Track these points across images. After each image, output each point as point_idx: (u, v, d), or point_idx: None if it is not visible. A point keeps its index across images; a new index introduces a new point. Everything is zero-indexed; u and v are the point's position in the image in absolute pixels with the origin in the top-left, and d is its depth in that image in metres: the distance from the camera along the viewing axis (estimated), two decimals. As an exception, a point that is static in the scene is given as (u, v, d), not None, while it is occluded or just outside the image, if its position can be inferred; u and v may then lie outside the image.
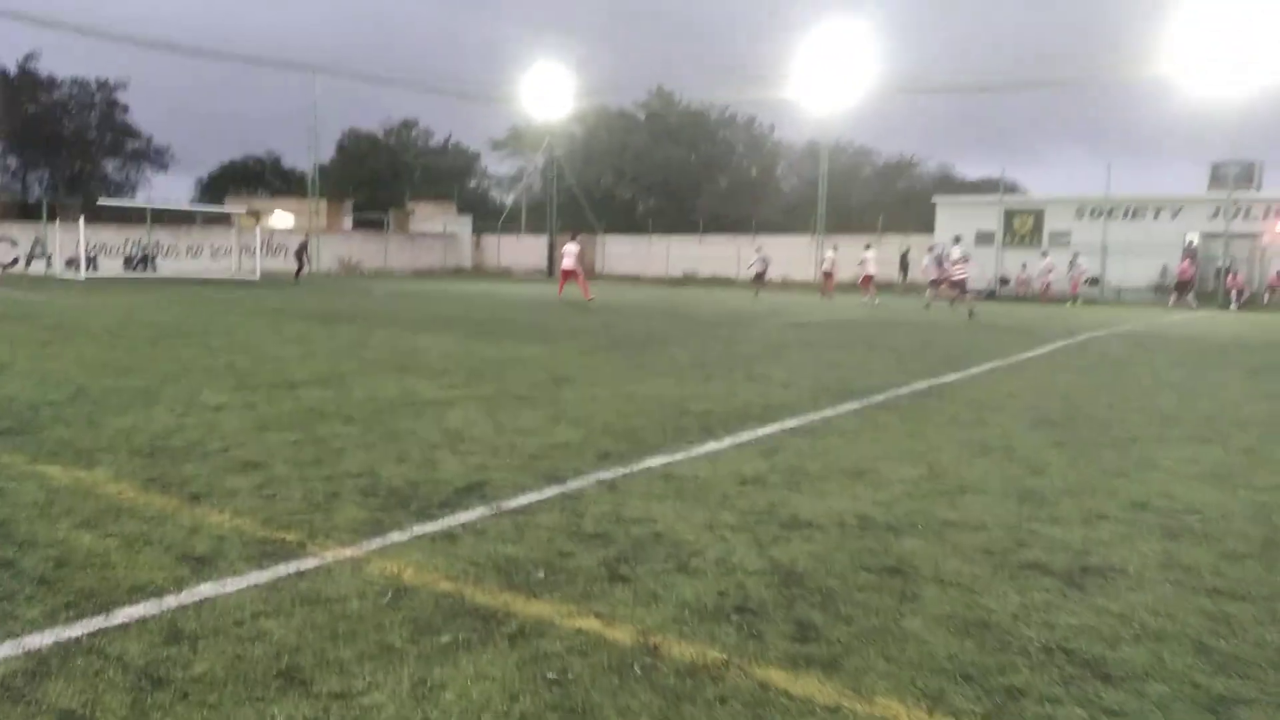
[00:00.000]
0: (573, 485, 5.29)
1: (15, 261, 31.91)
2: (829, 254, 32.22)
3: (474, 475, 5.46)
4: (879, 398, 8.87)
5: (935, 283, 27.37)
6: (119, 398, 7.84)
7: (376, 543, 4.19)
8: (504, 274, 50.07)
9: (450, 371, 9.97)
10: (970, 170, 67.32)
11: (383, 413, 7.47)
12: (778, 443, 6.68)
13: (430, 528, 4.43)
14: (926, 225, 41.27)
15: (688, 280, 43.88)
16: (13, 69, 57.36)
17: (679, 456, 6.12)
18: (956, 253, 23.10)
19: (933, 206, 41.18)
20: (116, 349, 11.41)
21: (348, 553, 4.04)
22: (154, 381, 8.79)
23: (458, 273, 49.87)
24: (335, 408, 7.61)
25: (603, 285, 38.00)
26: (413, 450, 6.09)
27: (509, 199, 70.79)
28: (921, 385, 9.80)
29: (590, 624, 3.36)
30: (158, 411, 7.27)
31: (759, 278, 30.65)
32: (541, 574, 3.84)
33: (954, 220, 38.23)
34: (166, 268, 37.47)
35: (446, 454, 6.01)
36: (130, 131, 63.45)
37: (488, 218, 59.20)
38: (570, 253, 24.36)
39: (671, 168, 59.29)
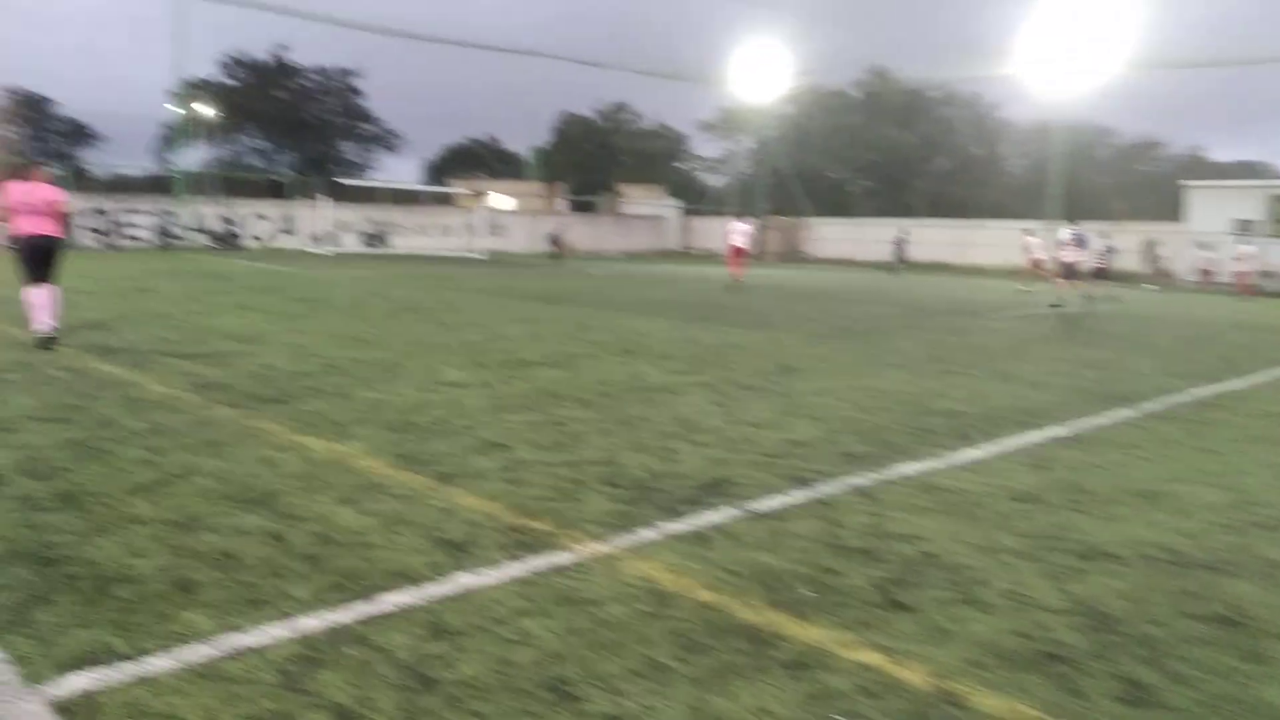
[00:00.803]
0: (823, 489, 4.90)
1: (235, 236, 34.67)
2: (1031, 240, 29.46)
3: (715, 470, 5.18)
4: (1153, 405, 7.88)
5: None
6: (365, 371, 8.16)
7: (627, 539, 3.99)
8: (711, 256, 49.98)
9: (674, 356, 9.80)
10: (1222, 153, 60.68)
11: (614, 397, 7.36)
12: (1046, 454, 5.99)
13: (679, 526, 4.18)
14: (1172, 212, 37.38)
15: (907, 265, 42.04)
16: (267, 59, 63.01)
17: (936, 464, 5.59)
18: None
19: (1181, 191, 37.25)
20: (359, 322, 12.04)
21: (600, 548, 3.86)
22: (396, 356, 9.13)
23: (666, 254, 50.23)
24: (568, 390, 7.57)
25: (813, 269, 37.09)
26: (649, 439, 5.89)
27: (717, 181, 70.71)
28: (1203, 392, 8.65)
29: (874, 659, 2.97)
30: (401, 386, 7.49)
31: (897, 259, 27.94)
32: (811, 593, 3.49)
33: (1208, 207, 34.44)
34: (399, 245, 39.93)
35: (683, 444, 5.77)
36: (366, 116, 68.15)
37: (695, 200, 59.32)
38: (739, 230, 24.31)
39: (886, 148, 56.99)
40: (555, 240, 35.72)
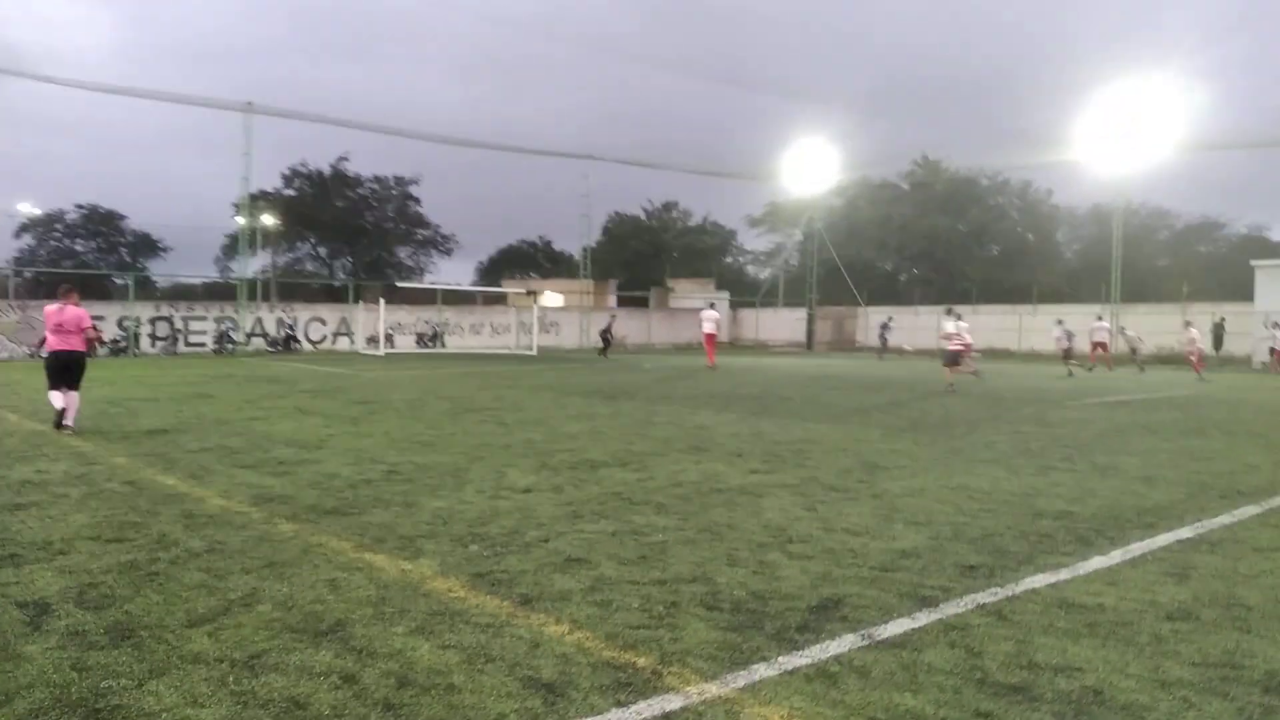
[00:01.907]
0: (948, 609, 4.36)
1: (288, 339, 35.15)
2: (1098, 323, 28.62)
3: (823, 588, 4.67)
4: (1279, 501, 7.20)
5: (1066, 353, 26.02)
6: (429, 477, 7.81)
7: (742, 677, 3.49)
8: (761, 347, 49.61)
9: (747, 454, 9.32)
10: (1283, 233, 59.26)
11: (692, 500, 6.89)
12: (1181, 559, 5.37)
13: (798, 660, 3.68)
14: (1236, 292, 36.30)
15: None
16: (327, 170, 65.30)
17: (1064, 575, 5.01)
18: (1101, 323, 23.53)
19: (1248, 271, 36.21)
20: (419, 424, 11.76)
21: (714, 689, 3.36)
22: (459, 459, 8.78)
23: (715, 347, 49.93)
24: (642, 494, 7.13)
25: (867, 358, 36.45)
26: (741, 550, 5.40)
27: (764, 274, 70.90)
28: (1332, 486, 7.93)
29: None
30: (468, 493, 7.11)
31: (1068, 353, 26.73)
32: (975, 748, 2.95)
33: (1277, 286, 33.40)
34: (452, 343, 40.21)
35: (780, 557, 5.27)
36: (421, 222, 70.03)
37: (743, 292, 59.37)
38: (709, 318, 26.35)
39: (938, 236, 56.77)
40: (606, 335, 35.65)
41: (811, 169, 46.35)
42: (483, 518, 6.22)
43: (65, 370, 10.62)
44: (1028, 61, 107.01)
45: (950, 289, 51.71)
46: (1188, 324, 27.33)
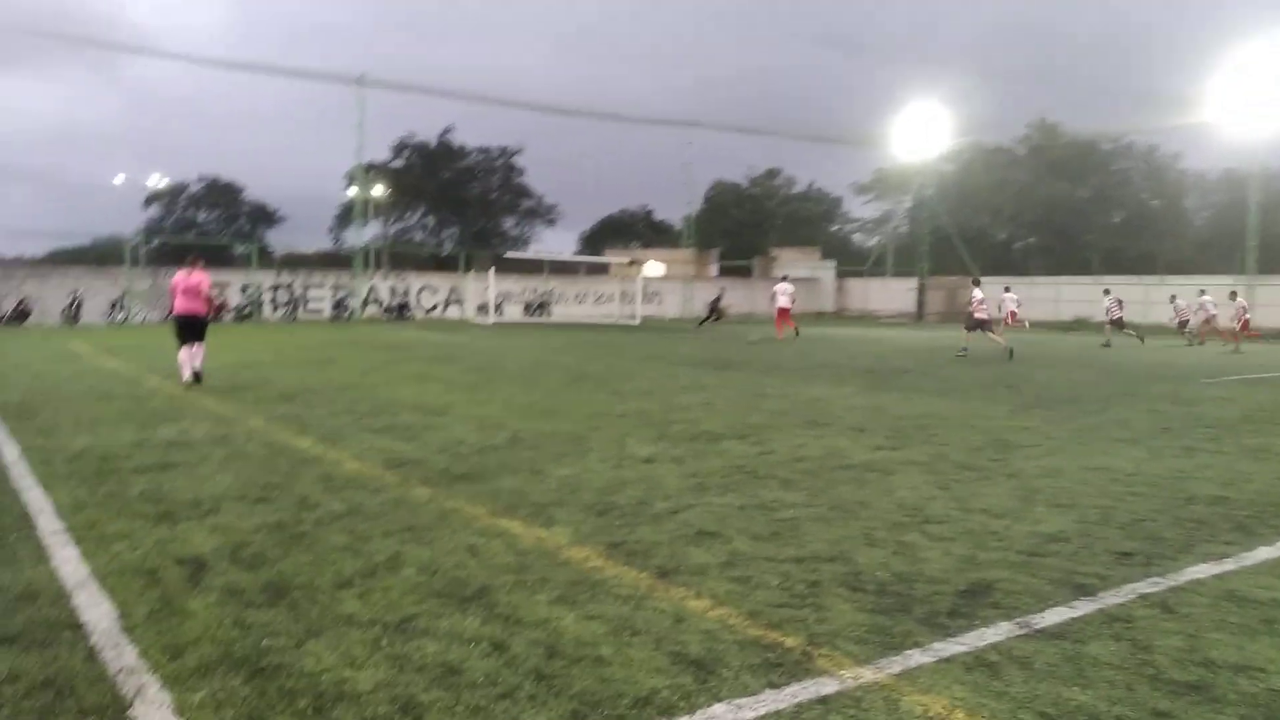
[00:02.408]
0: (1108, 599, 4.13)
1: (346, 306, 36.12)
2: (1205, 299, 26.79)
3: (970, 572, 4.49)
4: None
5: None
6: (552, 444, 7.87)
7: (896, 663, 3.37)
8: (868, 317, 48.61)
9: (868, 429, 9.10)
10: None
11: (818, 476, 6.75)
12: (1363, 553, 4.98)
13: (954, 647, 3.53)
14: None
15: (1080, 325, 39.53)
16: (433, 141, 66.55)
17: (1228, 565, 4.70)
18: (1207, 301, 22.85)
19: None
20: (535, 392, 11.90)
21: (868, 674, 3.26)
22: (578, 428, 8.83)
23: (820, 316, 49.21)
24: (765, 468, 7.02)
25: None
26: (878, 530, 5.25)
27: (872, 242, 69.27)
28: None
29: None
30: (592, 461, 7.13)
31: (1117, 323, 25.79)
32: (1162, 751, 2.78)
33: None
34: (558, 313, 40.71)
35: (920, 538, 5.10)
36: (525, 192, 70.84)
37: (850, 261, 58.15)
38: (784, 291, 26.28)
39: (1056, 204, 54.34)
40: (715, 305, 35.41)
41: (922, 133, 44.92)
42: (609, 487, 6.23)
43: (188, 328, 12.24)
44: (1156, 17, 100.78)
45: (1070, 258, 49.62)
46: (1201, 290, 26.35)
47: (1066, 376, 15.34)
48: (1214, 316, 26.34)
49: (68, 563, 4.44)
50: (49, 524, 5.16)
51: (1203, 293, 27.16)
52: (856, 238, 74.16)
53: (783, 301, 26.25)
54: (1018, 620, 3.84)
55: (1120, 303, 26.26)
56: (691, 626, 3.69)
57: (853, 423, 9.53)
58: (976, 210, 56.21)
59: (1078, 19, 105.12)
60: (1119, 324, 25.86)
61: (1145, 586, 4.33)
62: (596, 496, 5.94)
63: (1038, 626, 3.78)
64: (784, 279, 28.56)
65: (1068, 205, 54.32)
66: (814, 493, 6.20)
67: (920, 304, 47.21)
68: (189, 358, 12.07)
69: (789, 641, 3.55)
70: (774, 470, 6.94)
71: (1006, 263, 54.08)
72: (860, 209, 74.53)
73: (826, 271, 55.03)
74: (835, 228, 75.07)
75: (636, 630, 3.64)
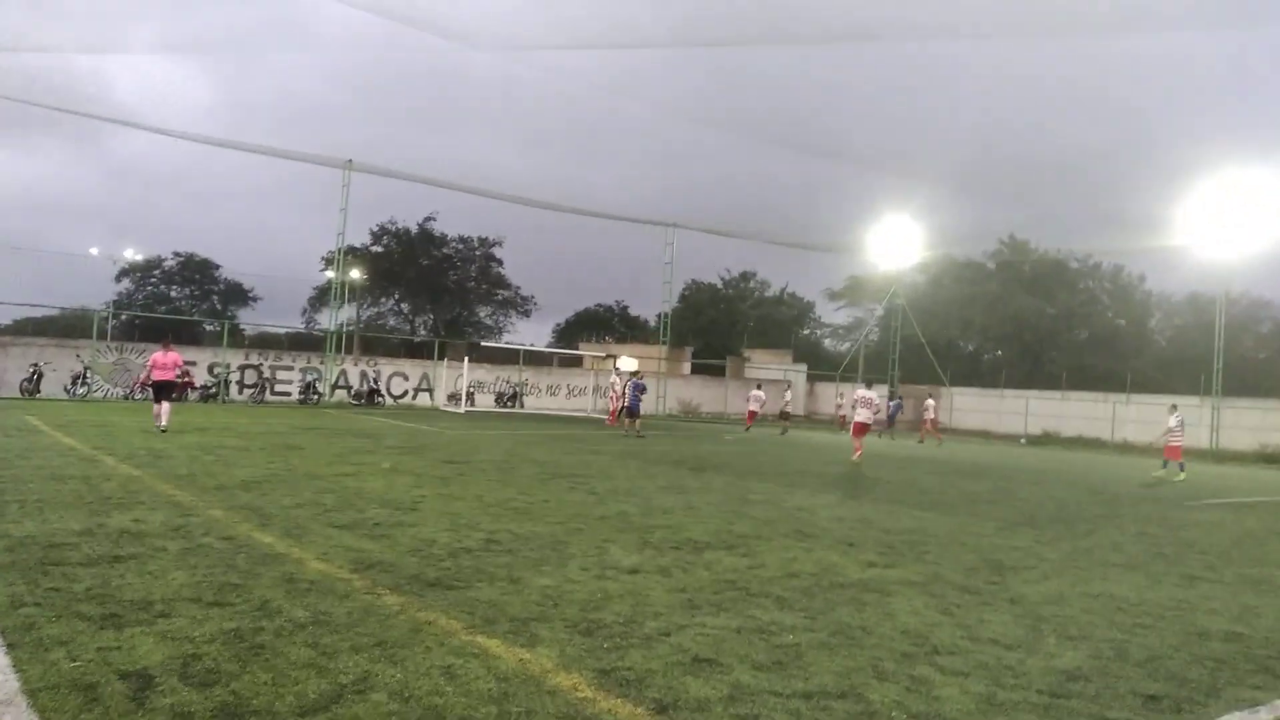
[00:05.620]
0: (1147, 752, 3.79)
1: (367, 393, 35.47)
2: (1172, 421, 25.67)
3: (993, 715, 4.14)
4: None
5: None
6: (530, 549, 7.46)
7: (932, 830, 2.99)
8: (840, 423, 48.56)
9: (859, 544, 8.76)
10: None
11: (813, 595, 6.39)
12: (1400, 705, 4.69)
13: (992, 810, 3.16)
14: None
15: (1048, 439, 39.71)
16: (414, 228, 66.91)
17: (1262, 715, 4.39)
18: (1174, 421, 21.58)
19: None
20: (509, 488, 11.46)
21: (903, 846, 2.87)
22: (557, 530, 8.43)
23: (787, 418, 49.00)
24: (756, 583, 6.65)
25: (954, 441, 35.33)
26: (885, 660, 4.89)
27: (843, 347, 69.95)
28: None
29: None
30: (573, 570, 6.73)
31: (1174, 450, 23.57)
32: None
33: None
34: (530, 404, 40.25)
35: (931, 671, 4.75)
36: (502, 282, 70.98)
37: (820, 366, 58.50)
38: (755, 398, 32.29)
39: (1025, 318, 55.36)
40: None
41: (895, 244, 45.78)
42: (594, 601, 5.82)
43: (162, 390, 17.52)
44: (1126, 144, 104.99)
45: (1037, 372, 50.20)
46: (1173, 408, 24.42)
47: (1048, 493, 15.15)
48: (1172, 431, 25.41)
49: (-5, 673, 3.97)
50: (-21, 624, 4.67)
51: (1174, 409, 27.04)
52: (828, 343, 74.90)
53: (754, 406, 32.28)
54: (1056, 778, 3.48)
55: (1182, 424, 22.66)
56: (699, 776, 3.30)
57: (841, 535, 9.20)
58: (947, 321, 57.08)
59: (1050, 141, 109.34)
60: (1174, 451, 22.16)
61: (1182, 739, 4.00)
62: (581, 612, 5.53)
63: (1079, 787, 3.42)
64: (758, 387, 30.11)
65: (1036, 321, 55.37)
66: (812, 614, 5.84)
67: (892, 415, 47.29)
68: (162, 412, 17.02)
69: (809, 799, 3.16)
70: (767, 587, 6.57)
71: (976, 374, 54.64)
72: (832, 315, 75.49)
73: (798, 374, 55.25)
74: (806, 332, 75.84)
75: (638, 780, 3.24)
